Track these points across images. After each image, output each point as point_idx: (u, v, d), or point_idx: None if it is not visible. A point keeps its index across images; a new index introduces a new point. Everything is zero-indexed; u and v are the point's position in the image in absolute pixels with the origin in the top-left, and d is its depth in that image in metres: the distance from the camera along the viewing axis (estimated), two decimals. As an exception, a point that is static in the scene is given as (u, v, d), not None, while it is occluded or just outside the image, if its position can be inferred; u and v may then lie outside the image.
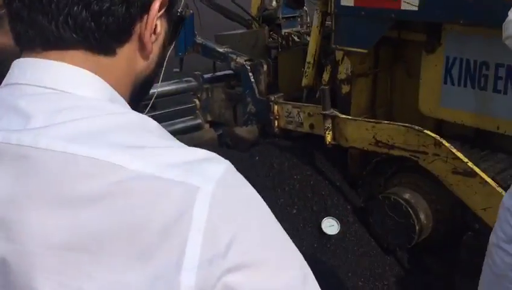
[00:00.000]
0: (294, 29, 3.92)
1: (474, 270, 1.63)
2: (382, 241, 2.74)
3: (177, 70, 3.94)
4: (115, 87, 0.59)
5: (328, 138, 2.79)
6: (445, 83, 2.57)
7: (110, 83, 0.59)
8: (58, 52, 0.56)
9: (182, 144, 0.57)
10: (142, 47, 0.61)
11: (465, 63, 2.48)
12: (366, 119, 2.68)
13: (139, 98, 0.66)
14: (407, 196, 2.62)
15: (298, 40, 3.85)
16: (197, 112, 3.84)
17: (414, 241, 2.58)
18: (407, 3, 2.31)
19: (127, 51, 0.60)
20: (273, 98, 3.18)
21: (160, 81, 3.67)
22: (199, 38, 3.73)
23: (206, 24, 3.87)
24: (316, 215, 2.84)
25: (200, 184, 0.51)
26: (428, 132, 2.38)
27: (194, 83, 3.80)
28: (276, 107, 3.18)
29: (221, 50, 3.57)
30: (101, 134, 0.52)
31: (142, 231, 0.48)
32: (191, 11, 3.60)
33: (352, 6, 2.55)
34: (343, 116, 2.73)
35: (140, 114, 0.57)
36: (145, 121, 0.56)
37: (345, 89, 2.89)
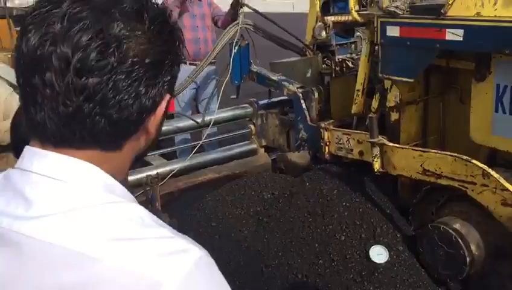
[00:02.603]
0: (348, 55, 3.96)
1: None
2: (432, 272, 2.69)
3: (234, 97, 4.10)
4: (116, 172, 0.67)
5: (376, 165, 2.80)
6: (497, 111, 2.52)
7: (111, 171, 0.66)
8: (68, 150, 0.64)
9: (164, 231, 0.63)
10: (147, 133, 0.69)
11: (516, 92, 2.42)
12: (414, 148, 2.67)
13: (135, 163, 0.75)
14: (457, 225, 2.57)
15: (352, 66, 3.89)
16: (253, 137, 3.97)
17: (465, 273, 2.52)
18: (452, 33, 2.31)
19: (132, 142, 0.68)
20: (323, 125, 3.24)
21: (217, 107, 3.86)
22: (254, 66, 3.87)
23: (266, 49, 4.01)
24: (365, 243, 2.84)
25: (164, 280, 0.57)
26: (476, 162, 2.34)
27: (249, 109, 3.95)
28: (326, 133, 3.24)
29: (274, 78, 3.68)
30: (85, 227, 0.60)
31: None
32: (247, 42, 3.76)
33: (397, 37, 2.58)
34: (391, 144, 2.73)
35: (128, 203, 0.64)
36: (130, 211, 0.63)
37: (394, 116, 2.90)
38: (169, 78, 0.68)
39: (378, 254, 2.74)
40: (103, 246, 0.59)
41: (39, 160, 0.64)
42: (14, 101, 2.79)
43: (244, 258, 3.02)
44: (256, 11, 3.75)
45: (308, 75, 3.82)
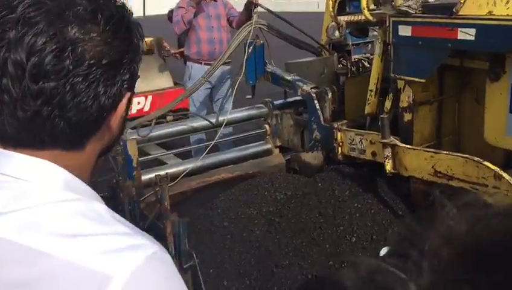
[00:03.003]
0: (364, 55, 3.92)
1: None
2: (444, 275, 2.65)
3: (250, 97, 4.11)
4: (80, 170, 0.68)
5: (388, 166, 2.77)
6: (511, 111, 2.46)
7: (75, 170, 0.67)
8: (30, 151, 0.65)
9: (120, 228, 0.63)
10: (109, 131, 0.70)
11: (531, 92, 2.36)
12: (425, 149, 2.63)
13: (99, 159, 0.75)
14: (469, 228, 2.53)
15: (368, 65, 3.85)
16: (267, 137, 3.97)
17: (477, 277, 2.47)
18: (464, 33, 2.27)
19: (95, 140, 0.69)
20: (336, 125, 3.22)
21: (232, 107, 3.88)
22: (269, 66, 3.87)
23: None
24: (376, 245, 2.81)
25: (114, 274, 0.57)
26: (488, 164, 2.29)
27: (264, 110, 3.94)
28: (339, 134, 3.21)
29: (288, 78, 3.67)
30: (41, 224, 0.61)
31: None
32: (262, 41, 3.76)
33: (409, 36, 2.54)
34: (402, 145, 2.70)
35: (87, 200, 0.65)
36: (87, 208, 0.64)
37: (407, 117, 2.86)
38: (128, 76, 0.69)
39: (389, 256, 2.71)
40: (56, 242, 0.60)
41: (2, 160, 0.66)
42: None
43: (255, 258, 3.02)
44: (269, 11, 3.75)
45: (324, 75, 3.79)
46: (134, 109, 5.12)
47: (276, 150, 3.95)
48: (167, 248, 2.54)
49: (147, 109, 5.22)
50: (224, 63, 3.98)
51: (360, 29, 3.34)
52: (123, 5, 0.69)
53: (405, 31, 2.56)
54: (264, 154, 3.93)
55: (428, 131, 2.96)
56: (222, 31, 4.40)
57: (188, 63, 4.49)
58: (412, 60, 2.60)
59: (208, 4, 4.34)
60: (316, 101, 3.43)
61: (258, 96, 4.16)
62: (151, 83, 5.36)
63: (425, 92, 2.86)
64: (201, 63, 4.33)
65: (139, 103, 5.22)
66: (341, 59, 3.92)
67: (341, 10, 3.75)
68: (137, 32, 0.70)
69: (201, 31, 4.32)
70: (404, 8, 2.50)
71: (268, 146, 3.96)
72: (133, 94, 0.72)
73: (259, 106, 3.97)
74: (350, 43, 3.91)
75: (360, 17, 2.97)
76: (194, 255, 2.48)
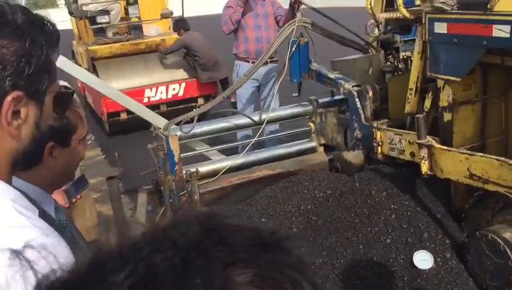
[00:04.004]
0: (412, 52, 3.80)
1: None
2: (480, 282, 2.54)
3: (296, 95, 4.12)
4: None
5: (424, 168, 2.70)
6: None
7: None
8: None
9: (20, 221, 0.69)
10: (9, 125, 0.74)
11: None
12: (461, 150, 2.53)
13: (30, 164, 0.80)
14: (507, 235, 2.41)
15: (417, 63, 3.73)
16: (312, 135, 3.96)
17: (513, 286, 2.35)
18: (499, 30, 2.16)
19: None
20: (375, 124, 3.16)
21: (278, 105, 3.90)
22: (314, 64, 3.85)
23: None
24: (410, 248, 2.75)
25: None
26: (523, 168, 2.17)
27: (309, 108, 3.94)
28: (379, 133, 3.16)
29: (331, 76, 3.65)
30: None
31: None
32: (306, 40, 3.76)
33: (445, 34, 2.46)
34: (438, 145, 2.61)
35: None
36: None
37: (447, 117, 2.76)
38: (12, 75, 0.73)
39: (422, 260, 2.64)
40: None
41: None
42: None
43: (289, 255, 3.04)
44: (312, 8, 3.73)
45: (369, 73, 3.73)
46: (170, 94, 6.35)
47: (321, 148, 3.94)
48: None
49: (180, 94, 6.39)
50: (271, 61, 4.02)
51: (402, 27, 3.24)
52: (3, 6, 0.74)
53: (441, 28, 2.48)
54: (308, 152, 3.92)
55: (472, 132, 2.83)
56: (270, 30, 4.44)
57: (236, 61, 4.58)
58: (448, 58, 2.51)
59: (256, 3, 4.40)
60: (357, 100, 3.38)
61: (307, 94, 4.16)
62: (185, 72, 6.52)
63: (467, 91, 2.74)
64: (248, 62, 4.39)
65: (174, 89, 6.41)
66: (389, 56, 3.83)
67: (390, 6, 3.66)
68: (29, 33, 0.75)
69: (249, 29, 4.38)
70: (439, 5, 2.41)
71: (313, 144, 3.95)
72: (21, 93, 0.75)
73: (304, 104, 3.96)
74: (398, 40, 3.81)
75: (398, 14, 2.89)
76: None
